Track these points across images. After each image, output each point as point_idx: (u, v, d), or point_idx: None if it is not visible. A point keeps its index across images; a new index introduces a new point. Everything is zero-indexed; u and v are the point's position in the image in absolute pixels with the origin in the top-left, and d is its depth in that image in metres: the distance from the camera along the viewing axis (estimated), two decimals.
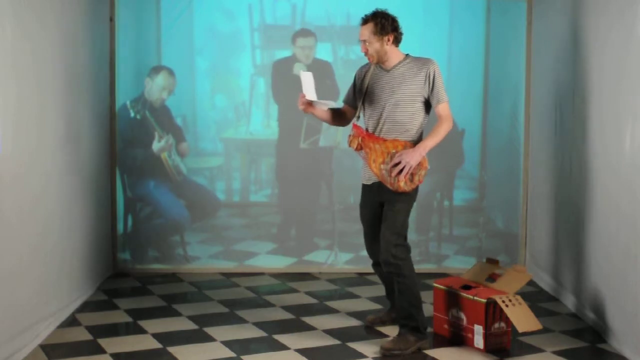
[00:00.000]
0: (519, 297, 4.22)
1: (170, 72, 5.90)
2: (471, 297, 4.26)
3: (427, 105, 4.22)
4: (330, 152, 6.03)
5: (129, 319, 4.74)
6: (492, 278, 4.46)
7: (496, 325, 4.21)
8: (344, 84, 5.82)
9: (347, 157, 5.98)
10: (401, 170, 4.04)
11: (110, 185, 5.78)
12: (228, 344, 4.28)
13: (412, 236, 5.83)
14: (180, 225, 6.00)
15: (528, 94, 5.86)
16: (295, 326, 4.63)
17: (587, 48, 4.71)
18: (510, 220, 6.05)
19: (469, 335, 4.27)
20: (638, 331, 3.92)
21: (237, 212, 6.21)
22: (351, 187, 5.85)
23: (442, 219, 6.12)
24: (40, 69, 4.26)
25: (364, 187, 4.37)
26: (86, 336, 4.38)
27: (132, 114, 5.83)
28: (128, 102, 5.84)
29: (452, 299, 4.38)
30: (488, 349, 4.19)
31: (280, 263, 6.03)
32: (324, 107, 4.29)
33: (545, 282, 5.50)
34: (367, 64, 4.35)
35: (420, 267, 5.83)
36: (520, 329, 4.08)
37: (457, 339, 4.35)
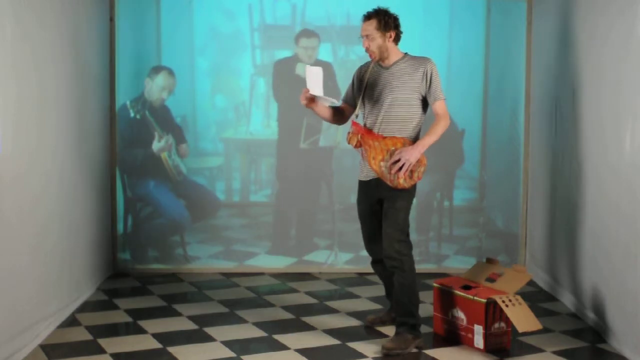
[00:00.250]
0: (519, 297, 4.22)
1: (170, 72, 5.90)
2: (471, 297, 4.26)
3: (425, 103, 4.26)
4: (330, 152, 6.03)
5: (129, 319, 4.74)
6: (492, 278, 4.46)
7: (496, 325, 4.21)
8: (344, 85, 5.83)
9: (347, 157, 5.98)
10: (401, 168, 4.06)
11: (110, 185, 5.78)
12: (228, 344, 4.28)
13: (412, 236, 5.80)
14: (180, 225, 6.00)
15: (528, 94, 5.87)
16: (295, 326, 4.63)
17: (587, 48, 4.71)
18: (510, 220, 6.05)
19: (469, 335, 4.27)
20: (638, 331, 3.92)
21: (237, 212, 6.21)
22: (351, 186, 5.83)
23: (442, 219, 6.12)
24: (40, 69, 4.26)
25: (362, 183, 4.40)
26: (86, 336, 4.38)
27: (132, 114, 5.83)
28: (128, 102, 5.84)
29: (452, 299, 4.38)
30: (488, 349, 4.19)
31: (280, 263, 6.03)
32: (326, 104, 4.32)
33: (545, 282, 5.50)
34: (366, 63, 4.38)
35: (420, 267, 5.81)
36: (520, 329, 4.08)
37: (457, 339, 4.35)
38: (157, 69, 5.89)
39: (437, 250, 6.09)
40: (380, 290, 5.10)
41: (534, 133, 5.78)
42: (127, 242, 5.94)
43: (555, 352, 4.20)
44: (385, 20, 4.16)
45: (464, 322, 4.30)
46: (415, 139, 4.21)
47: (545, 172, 5.51)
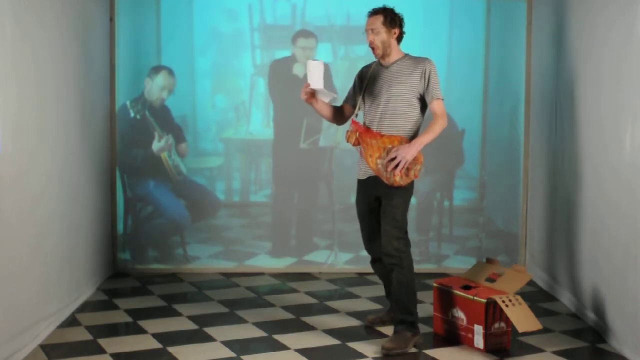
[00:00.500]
0: (519, 297, 4.22)
1: (170, 72, 5.90)
2: (471, 297, 4.26)
3: (424, 103, 4.28)
4: (330, 152, 6.03)
5: (129, 319, 4.74)
6: (492, 278, 4.46)
7: (496, 325, 4.21)
8: (344, 84, 5.83)
9: (347, 157, 5.98)
10: (397, 165, 4.08)
11: (110, 185, 5.78)
12: (228, 344, 4.28)
13: (412, 236, 5.81)
14: (180, 225, 6.00)
15: (528, 94, 5.87)
16: (295, 326, 4.63)
17: (587, 48, 4.71)
18: (510, 220, 6.05)
19: (469, 335, 4.27)
20: (638, 331, 3.92)
21: (237, 212, 6.21)
22: (351, 186, 5.82)
23: (442, 219, 6.12)
24: (40, 69, 4.26)
25: (360, 182, 4.43)
26: (86, 336, 4.38)
27: (132, 114, 5.83)
28: (128, 102, 5.84)
29: (452, 299, 4.38)
30: (488, 349, 4.19)
31: (280, 263, 6.03)
32: (326, 99, 4.34)
33: (545, 282, 5.50)
34: (368, 65, 4.42)
35: (420, 267, 5.84)
36: (520, 329, 4.08)
37: (457, 339, 4.35)
38: (157, 69, 5.89)
39: (437, 250, 6.09)
40: (380, 290, 5.10)
41: (534, 133, 5.78)
42: (127, 242, 5.94)
43: (555, 352, 4.20)
44: (392, 17, 4.23)
45: (464, 322, 4.30)
46: (413, 138, 4.22)
47: (545, 172, 5.51)
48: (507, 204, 6.05)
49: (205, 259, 6.02)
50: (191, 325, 4.62)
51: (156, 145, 5.89)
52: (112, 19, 5.70)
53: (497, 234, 6.13)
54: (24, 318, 4.00)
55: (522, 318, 4.12)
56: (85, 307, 4.95)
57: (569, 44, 4.99)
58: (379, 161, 4.16)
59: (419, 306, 4.35)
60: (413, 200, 5.88)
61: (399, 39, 4.28)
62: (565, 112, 5.05)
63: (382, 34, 4.21)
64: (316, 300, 5.22)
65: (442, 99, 4.22)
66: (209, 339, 4.37)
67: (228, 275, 5.87)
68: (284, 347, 4.25)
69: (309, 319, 4.76)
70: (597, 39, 4.53)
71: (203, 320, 4.70)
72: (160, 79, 5.88)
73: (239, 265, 6.00)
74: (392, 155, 4.10)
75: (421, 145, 4.12)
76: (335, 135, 5.96)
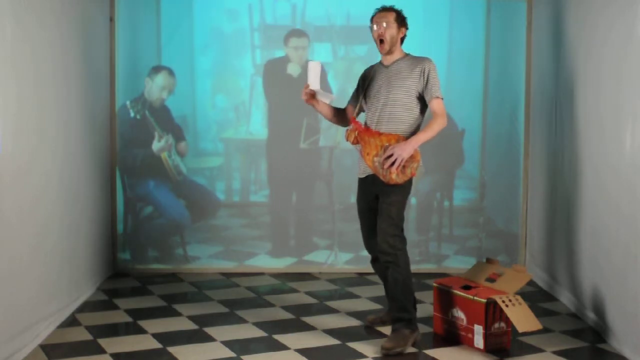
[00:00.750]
0: (519, 297, 4.22)
1: (171, 72, 5.90)
2: (471, 297, 4.26)
3: (424, 103, 4.29)
4: (330, 152, 6.03)
5: (129, 319, 4.74)
6: (492, 278, 4.46)
7: (496, 325, 4.21)
8: (343, 84, 5.84)
9: (347, 157, 5.98)
10: (393, 163, 4.08)
11: (110, 185, 5.78)
12: (228, 344, 4.29)
13: (412, 236, 5.86)
14: (180, 225, 6.00)
15: (528, 94, 5.87)
16: (295, 326, 4.63)
17: (587, 48, 4.71)
18: (510, 220, 6.05)
19: (469, 335, 4.27)
20: (638, 331, 3.92)
21: (237, 212, 6.21)
22: (351, 186, 5.83)
23: (442, 219, 6.12)
24: (40, 69, 4.26)
25: (360, 181, 4.45)
26: (86, 336, 4.38)
27: (132, 114, 5.83)
28: (128, 102, 5.84)
29: (452, 299, 4.38)
30: (488, 349, 4.19)
31: (280, 263, 6.03)
32: (326, 100, 4.39)
33: (545, 282, 5.50)
34: (370, 66, 4.47)
35: (420, 267, 5.86)
36: (520, 329, 4.08)
37: (457, 339, 4.35)
38: (157, 69, 5.89)
39: (437, 250, 6.09)
40: (380, 290, 5.10)
41: (534, 133, 5.78)
42: (127, 242, 5.94)
43: (555, 352, 4.20)
44: (402, 17, 4.31)
45: (464, 322, 4.30)
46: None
47: (545, 172, 5.51)
48: (507, 204, 6.05)
49: (205, 259, 6.02)
50: (191, 325, 4.62)
51: (156, 145, 5.89)
52: (112, 19, 5.70)
53: (497, 234, 6.13)
54: (24, 318, 4.00)
55: (522, 318, 4.12)
56: (85, 307, 4.95)
57: (569, 44, 4.99)
58: (375, 159, 4.17)
59: (419, 306, 4.35)
60: (413, 200, 5.93)
61: (402, 40, 4.33)
62: (565, 112, 5.05)
63: (393, 29, 4.25)
64: (316, 300, 5.22)
65: (442, 98, 4.22)
66: (209, 339, 4.38)
67: (228, 275, 5.87)
68: (284, 347, 4.25)
69: (309, 319, 4.77)
70: (597, 39, 4.53)
71: (203, 320, 4.70)
72: (161, 79, 5.88)
73: (239, 265, 6.00)
74: (388, 153, 4.11)
75: (418, 143, 4.13)
76: (335, 135, 5.96)
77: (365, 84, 4.39)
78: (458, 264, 5.97)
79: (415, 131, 4.26)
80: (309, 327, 4.61)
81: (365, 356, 4.13)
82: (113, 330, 4.55)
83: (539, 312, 4.76)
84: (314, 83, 4.26)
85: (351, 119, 4.37)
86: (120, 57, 5.78)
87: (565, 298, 5.08)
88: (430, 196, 6.05)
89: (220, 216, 6.14)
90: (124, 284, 5.60)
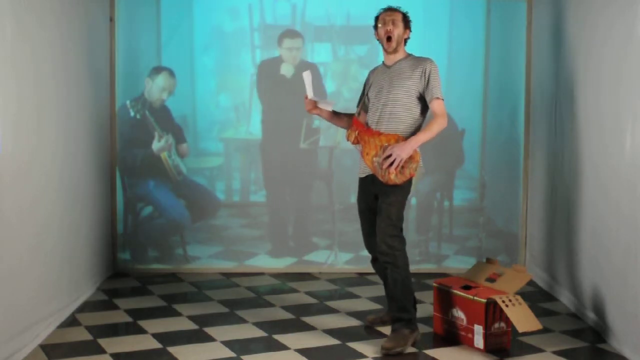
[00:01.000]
0: (519, 297, 4.22)
1: (171, 73, 5.90)
2: (471, 297, 4.26)
3: (424, 103, 4.29)
4: (330, 152, 6.03)
5: (129, 319, 4.74)
6: (492, 278, 4.46)
7: (496, 325, 4.21)
8: (343, 84, 5.83)
9: (347, 157, 5.98)
10: (392, 163, 4.08)
11: (110, 185, 5.78)
12: (228, 344, 4.29)
13: (412, 236, 5.86)
14: (180, 225, 6.01)
15: (528, 94, 5.86)
16: (295, 326, 4.63)
17: (586, 48, 4.71)
18: (510, 220, 6.05)
19: (469, 335, 4.27)
20: (638, 331, 3.92)
21: (237, 212, 6.21)
22: (351, 186, 5.85)
23: (442, 219, 6.12)
24: (40, 69, 4.26)
25: (360, 180, 4.46)
26: (86, 336, 4.38)
27: (132, 113, 5.83)
28: (128, 102, 5.84)
29: (452, 299, 4.38)
30: (488, 349, 4.19)
31: (280, 263, 6.03)
32: (328, 108, 4.46)
33: (545, 282, 5.50)
34: (375, 67, 4.49)
35: (420, 267, 5.86)
36: (520, 329, 4.08)
37: (457, 339, 4.35)
38: (157, 70, 5.89)
39: (437, 250, 6.09)
40: (380, 290, 5.09)
41: (534, 133, 5.78)
42: (127, 242, 5.94)
43: (555, 352, 4.20)
44: (408, 19, 4.35)
45: (464, 322, 4.30)
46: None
47: (545, 172, 5.51)
48: (507, 204, 6.05)
49: (205, 259, 6.02)
50: (191, 325, 4.62)
51: (156, 145, 5.88)
52: (112, 19, 5.70)
53: (497, 234, 6.13)
54: (24, 318, 4.00)
55: (522, 318, 4.12)
56: (85, 307, 4.95)
57: (569, 44, 4.99)
58: (375, 159, 4.18)
59: (419, 306, 4.35)
60: (413, 200, 5.93)
61: (406, 41, 4.36)
62: (565, 112, 5.05)
63: (400, 28, 4.29)
64: (316, 300, 5.22)
65: (443, 99, 4.22)
66: (209, 339, 4.37)
67: (228, 275, 5.87)
68: (284, 347, 4.25)
69: (309, 319, 4.77)
70: (597, 39, 4.53)
71: (203, 320, 4.70)
72: (161, 79, 5.88)
73: (239, 265, 6.00)
74: (387, 153, 4.12)
75: (417, 143, 4.13)
76: (335, 135, 5.96)
77: (368, 85, 4.42)
78: (458, 264, 5.97)
79: (415, 131, 4.27)
80: (309, 327, 4.61)
81: (365, 356, 4.12)
82: (113, 330, 4.55)
83: (539, 312, 4.76)
84: (309, 92, 4.36)
85: (353, 120, 4.39)
86: (120, 57, 5.78)
87: (565, 298, 5.08)
88: (430, 196, 6.05)
89: (220, 216, 6.14)
90: (124, 284, 5.60)
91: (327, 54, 6.02)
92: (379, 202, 4.28)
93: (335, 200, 6.04)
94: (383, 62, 4.40)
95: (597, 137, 4.51)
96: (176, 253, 6.01)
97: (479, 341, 4.21)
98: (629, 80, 4.06)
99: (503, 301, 4.16)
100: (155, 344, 4.26)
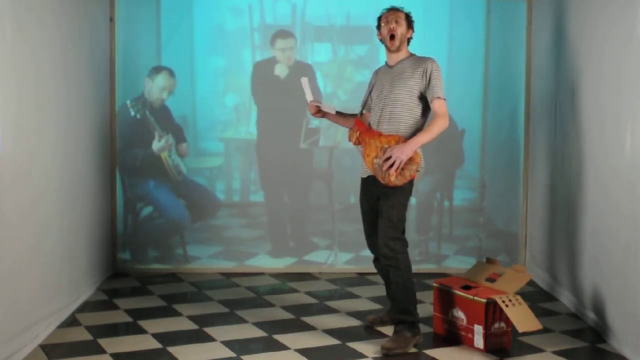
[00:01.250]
0: (519, 297, 4.22)
1: (171, 73, 5.90)
2: (471, 297, 4.26)
3: (426, 103, 4.29)
4: (330, 152, 6.03)
5: (129, 319, 4.74)
6: (492, 278, 4.46)
7: (496, 325, 4.21)
8: (343, 84, 5.84)
9: (347, 157, 5.98)
10: (392, 165, 4.08)
11: (110, 185, 5.78)
12: (228, 344, 4.28)
13: (412, 236, 5.85)
14: (180, 225, 6.01)
15: (528, 94, 5.87)
16: (295, 326, 4.63)
17: (587, 48, 4.71)
18: (510, 220, 6.05)
19: (469, 335, 4.27)
20: (638, 331, 3.92)
21: (237, 212, 6.21)
22: (351, 187, 5.85)
23: (442, 219, 6.12)
24: (40, 69, 4.26)
25: (362, 180, 4.46)
26: (86, 336, 4.38)
27: (133, 113, 5.83)
28: (128, 102, 5.84)
29: (452, 299, 4.38)
30: (488, 349, 4.19)
31: (280, 263, 6.03)
32: (331, 111, 4.51)
33: (545, 282, 5.50)
34: (376, 69, 4.49)
35: (420, 267, 5.85)
36: (520, 329, 4.08)
37: (457, 339, 4.35)
38: (157, 69, 5.89)
39: (437, 250, 6.09)
40: (380, 290, 5.10)
41: (534, 133, 5.78)
42: (127, 242, 5.94)
43: (555, 352, 4.20)
44: (411, 19, 4.36)
45: (464, 322, 4.30)
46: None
47: (545, 172, 5.51)
48: (507, 204, 6.05)
49: (205, 259, 6.02)
50: (191, 325, 4.62)
51: (156, 145, 5.89)
52: (112, 19, 5.70)
53: (497, 234, 6.13)
54: (24, 318, 4.00)
55: (522, 318, 4.12)
56: (85, 307, 4.95)
57: (569, 44, 4.99)
58: (375, 160, 4.17)
59: (419, 306, 4.35)
60: (413, 200, 5.92)
61: (409, 42, 4.37)
62: (565, 112, 5.05)
63: (403, 27, 4.30)
64: (316, 300, 5.22)
65: (444, 99, 4.21)
66: (209, 339, 4.37)
67: (228, 275, 5.87)
68: (283, 347, 4.25)
69: (309, 319, 4.76)
70: (597, 39, 4.53)
71: (203, 320, 4.70)
72: (161, 79, 5.88)
73: (239, 265, 6.00)
74: (387, 155, 4.11)
75: (417, 145, 4.11)
76: (335, 135, 5.96)
77: (371, 85, 4.43)
78: (458, 264, 5.97)
79: (416, 132, 4.25)
80: (309, 327, 4.61)
81: (365, 356, 4.12)
82: (113, 330, 4.55)
83: (539, 312, 4.76)
84: (308, 97, 4.43)
85: (355, 120, 4.38)
86: (120, 57, 5.78)
87: (566, 298, 5.08)
88: (430, 196, 6.05)
89: (220, 216, 6.14)
90: (124, 284, 5.60)
91: (327, 54, 6.02)
92: (380, 203, 4.27)
93: (335, 200, 6.04)
94: (386, 62, 4.40)
95: (597, 137, 4.51)
96: (176, 253, 6.01)
97: (479, 341, 4.21)
98: (629, 80, 4.06)
99: (503, 301, 4.16)
100: (155, 344, 4.26)
